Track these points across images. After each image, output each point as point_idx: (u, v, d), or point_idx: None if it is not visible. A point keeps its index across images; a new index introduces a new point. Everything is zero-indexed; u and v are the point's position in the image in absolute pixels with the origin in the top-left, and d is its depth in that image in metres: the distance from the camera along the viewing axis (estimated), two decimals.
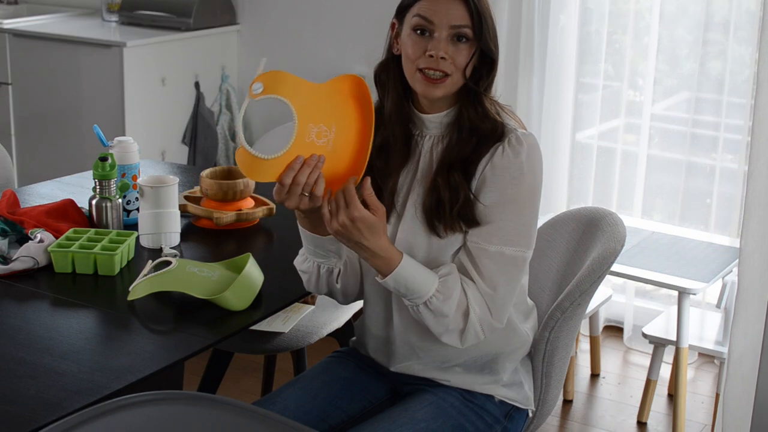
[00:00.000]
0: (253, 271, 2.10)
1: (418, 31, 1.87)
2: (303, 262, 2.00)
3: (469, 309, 1.87)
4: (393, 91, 1.95)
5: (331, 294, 2.03)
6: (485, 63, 1.90)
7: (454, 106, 1.93)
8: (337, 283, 1.99)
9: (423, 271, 1.86)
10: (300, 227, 1.93)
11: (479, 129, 1.89)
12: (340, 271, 1.98)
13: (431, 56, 1.85)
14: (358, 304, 2.13)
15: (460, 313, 1.87)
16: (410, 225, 1.93)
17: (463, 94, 1.92)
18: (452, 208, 1.88)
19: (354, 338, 2.16)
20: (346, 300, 2.05)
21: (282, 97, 1.79)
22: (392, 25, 1.95)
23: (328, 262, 1.96)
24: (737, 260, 2.85)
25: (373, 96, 1.86)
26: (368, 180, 1.82)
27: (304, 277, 2.01)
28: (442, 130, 1.94)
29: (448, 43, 1.86)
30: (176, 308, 2.06)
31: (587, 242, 2.17)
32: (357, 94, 1.84)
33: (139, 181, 2.37)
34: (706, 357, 3.68)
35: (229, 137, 4.40)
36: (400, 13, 1.93)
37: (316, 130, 1.82)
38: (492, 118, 1.90)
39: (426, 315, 1.87)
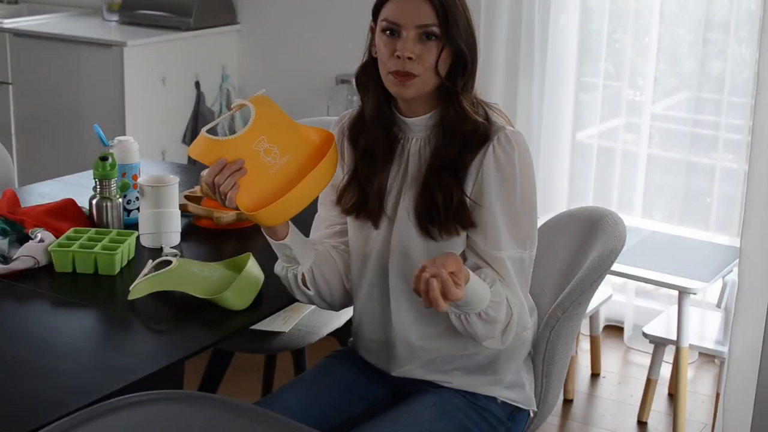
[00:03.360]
0: (253, 271, 2.10)
1: (388, 32, 1.88)
2: (276, 266, 2.01)
3: (512, 312, 1.87)
4: (373, 93, 1.94)
5: (311, 301, 2.02)
6: (460, 61, 1.89)
7: (437, 108, 1.92)
8: (309, 289, 1.98)
9: (482, 283, 1.82)
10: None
11: (461, 130, 1.88)
12: (305, 277, 1.97)
13: (398, 57, 1.85)
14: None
15: (507, 318, 1.86)
16: (404, 229, 1.93)
17: (443, 96, 1.91)
18: (446, 210, 1.87)
19: (351, 339, 2.15)
20: (331, 307, 2.05)
21: (251, 105, 1.87)
22: (371, 28, 1.95)
23: (292, 267, 1.96)
24: (737, 260, 2.85)
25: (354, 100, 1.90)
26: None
27: (284, 284, 2.02)
28: (428, 132, 1.94)
29: (416, 43, 1.85)
30: (176, 308, 2.06)
31: (587, 242, 2.17)
32: (323, 148, 1.90)
33: (140, 180, 2.37)
34: (707, 356, 3.68)
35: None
36: (374, 14, 1.93)
37: (267, 146, 1.87)
38: (472, 118, 1.88)
39: (476, 325, 1.84)
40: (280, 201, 1.83)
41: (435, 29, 1.85)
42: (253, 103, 1.88)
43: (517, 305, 1.88)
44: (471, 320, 1.83)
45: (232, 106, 1.94)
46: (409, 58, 1.84)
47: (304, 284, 1.98)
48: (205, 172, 2.49)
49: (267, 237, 1.93)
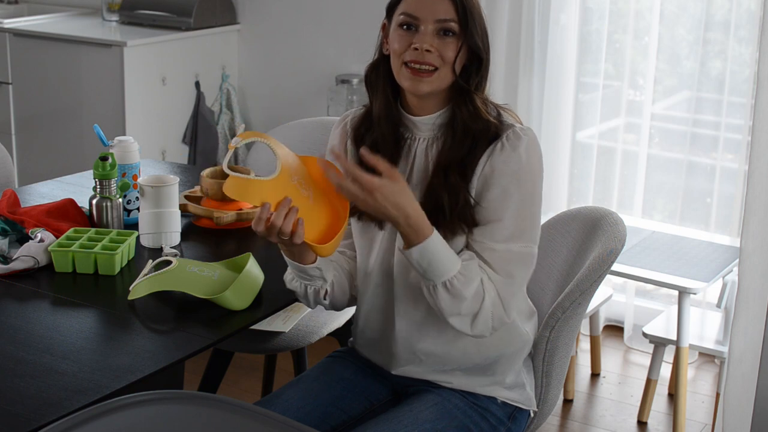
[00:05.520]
0: (253, 271, 2.10)
1: (405, 27, 1.87)
2: (291, 281, 1.99)
3: (485, 295, 1.85)
4: (382, 91, 1.94)
5: (319, 306, 2.03)
6: (474, 60, 1.89)
7: (446, 107, 1.92)
8: (325, 300, 1.99)
9: (449, 250, 1.82)
10: (283, 254, 1.93)
11: (472, 130, 1.88)
12: (327, 291, 1.97)
13: (416, 49, 1.85)
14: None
15: (477, 299, 1.84)
16: None
17: (455, 94, 1.91)
18: (452, 210, 1.86)
19: (351, 339, 2.15)
20: (334, 309, 2.06)
21: (266, 141, 1.83)
22: (383, 26, 1.95)
23: (314, 284, 1.96)
24: (737, 260, 2.85)
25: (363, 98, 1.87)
26: (364, 148, 1.80)
27: (294, 292, 2.01)
28: (435, 131, 1.93)
29: (434, 37, 1.85)
30: (177, 308, 2.06)
31: (588, 242, 2.17)
32: (314, 169, 1.87)
33: (140, 180, 2.37)
34: (707, 356, 3.68)
35: (230, 137, 4.40)
36: (389, 12, 1.93)
37: (297, 178, 1.85)
38: (484, 118, 1.88)
39: (442, 296, 1.83)
40: (341, 232, 1.83)
41: (454, 25, 1.85)
42: (266, 139, 1.84)
43: (492, 292, 1.85)
44: (438, 291, 1.83)
45: (238, 136, 1.85)
46: (428, 51, 1.84)
47: (324, 297, 1.98)
48: (206, 172, 2.50)
49: (289, 261, 1.91)
